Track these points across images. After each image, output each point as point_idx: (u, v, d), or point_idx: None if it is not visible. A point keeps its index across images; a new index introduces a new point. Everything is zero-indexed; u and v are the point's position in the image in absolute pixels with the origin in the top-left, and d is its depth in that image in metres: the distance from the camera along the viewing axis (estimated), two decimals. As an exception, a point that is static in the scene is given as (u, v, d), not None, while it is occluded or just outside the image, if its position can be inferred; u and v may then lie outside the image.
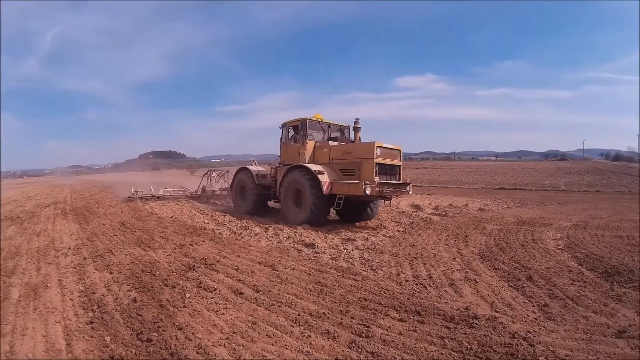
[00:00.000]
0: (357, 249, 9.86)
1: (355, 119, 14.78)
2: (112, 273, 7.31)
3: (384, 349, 4.59)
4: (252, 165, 18.43)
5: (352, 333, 4.97)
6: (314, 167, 13.50)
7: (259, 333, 4.88)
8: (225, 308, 5.67)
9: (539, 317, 6.13)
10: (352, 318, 5.46)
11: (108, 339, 4.65)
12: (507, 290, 7.32)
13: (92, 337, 4.74)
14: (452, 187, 41.31)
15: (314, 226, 12.92)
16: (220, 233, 11.16)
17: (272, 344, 4.63)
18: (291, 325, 5.14)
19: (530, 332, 5.35)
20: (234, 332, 4.88)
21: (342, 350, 4.53)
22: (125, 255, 8.57)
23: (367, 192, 12.45)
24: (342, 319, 5.40)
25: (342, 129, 15.85)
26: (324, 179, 13.18)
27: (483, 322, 5.54)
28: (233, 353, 4.40)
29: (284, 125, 15.75)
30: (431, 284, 7.37)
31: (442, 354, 4.57)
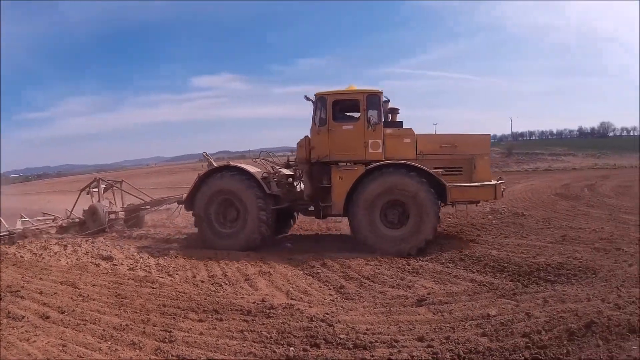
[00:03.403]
0: (152, 256, 9.73)
1: (385, 97, 10.86)
2: None
3: (188, 351, 4.84)
4: (210, 162, 11.94)
5: (156, 340, 5.15)
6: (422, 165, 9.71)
7: (70, 355, 4.88)
8: (36, 335, 5.48)
9: (336, 298, 6.68)
10: (154, 325, 5.63)
11: None
12: (302, 278, 7.91)
13: None
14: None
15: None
16: (21, 256, 10.13)
17: (84, 363, 4.69)
18: (99, 342, 5.18)
19: (328, 314, 5.78)
20: (47, 359, 4.82)
21: (149, 358, 4.75)
22: None
23: (502, 195, 10.30)
24: (144, 328, 5.55)
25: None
26: (447, 183, 9.73)
27: (280, 311, 5.93)
28: (49, 379, 4.39)
29: (320, 99, 10.33)
30: (227, 282, 7.72)
31: (244, 347, 4.88)
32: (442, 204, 10.06)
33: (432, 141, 10.55)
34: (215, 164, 11.53)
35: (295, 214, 11.97)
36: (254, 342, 5.01)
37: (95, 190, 14.37)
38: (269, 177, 10.74)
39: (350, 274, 7.95)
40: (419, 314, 5.79)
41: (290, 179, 11.35)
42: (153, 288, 7.29)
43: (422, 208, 9.43)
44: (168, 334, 5.29)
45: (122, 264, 9.14)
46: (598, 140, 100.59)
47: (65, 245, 10.87)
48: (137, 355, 4.85)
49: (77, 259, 9.71)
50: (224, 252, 9.87)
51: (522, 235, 10.72)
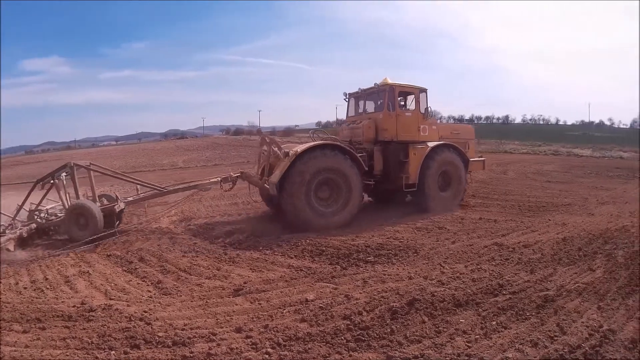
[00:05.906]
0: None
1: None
2: None
3: (16, 366, 4.47)
4: (272, 140, 12.08)
5: (-16, 359, 4.63)
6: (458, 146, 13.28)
7: None
8: None
9: (154, 294, 6.57)
10: (-19, 343, 5.06)
11: None
12: (120, 276, 7.66)
13: None
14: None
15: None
16: None
17: None
18: None
19: (146, 312, 5.67)
20: None
21: (-21, 382, 4.37)
22: None
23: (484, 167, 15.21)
24: (-28, 347, 4.98)
25: None
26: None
27: (99, 313, 5.71)
28: None
29: (391, 89, 12.41)
30: (48, 286, 7.26)
31: (67, 355, 4.66)
32: None
33: (446, 129, 14.07)
34: (278, 141, 12.54)
35: None
36: (77, 349, 4.83)
37: (58, 180, 10.70)
38: (364, 156, 11.91)
39: (167, 267, 7.88)
40: (236, 304, 5.83)
41: None
42: (-22, 300, 6.50)
43: (461, 177, 13.02)
44: (-5, 351, 4.86)
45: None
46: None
47: None
48: (-34, 381, 4.51)
49: None
50: (45, 254, 9.26)
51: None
